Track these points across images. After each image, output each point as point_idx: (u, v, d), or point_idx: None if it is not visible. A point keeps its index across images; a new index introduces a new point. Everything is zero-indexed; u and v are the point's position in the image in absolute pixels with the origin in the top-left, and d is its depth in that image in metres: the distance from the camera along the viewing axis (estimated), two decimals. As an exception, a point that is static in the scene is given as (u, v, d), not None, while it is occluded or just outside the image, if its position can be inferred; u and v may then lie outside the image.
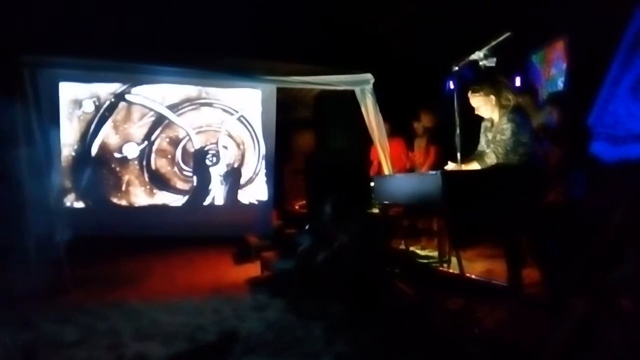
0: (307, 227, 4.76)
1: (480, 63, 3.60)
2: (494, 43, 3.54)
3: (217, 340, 3.18)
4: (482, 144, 3.82)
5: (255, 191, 6.01)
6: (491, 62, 3.61)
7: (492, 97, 3.63)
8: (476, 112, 3.77)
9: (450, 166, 3.88)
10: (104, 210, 5.45)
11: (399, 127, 6.27)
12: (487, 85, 3.64)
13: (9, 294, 3.82)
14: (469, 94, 3.72)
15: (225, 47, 6.03)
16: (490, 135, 3.72)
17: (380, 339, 3.05)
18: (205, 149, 5.84)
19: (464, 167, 3.84)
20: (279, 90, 5.92)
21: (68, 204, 5.33)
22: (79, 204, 5.42)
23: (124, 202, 5.61)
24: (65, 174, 5.32)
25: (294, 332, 3.28)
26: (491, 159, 3.68)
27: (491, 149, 3.68)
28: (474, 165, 3.80)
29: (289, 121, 7.13)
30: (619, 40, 5.02)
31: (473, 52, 3.65)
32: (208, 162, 5.86)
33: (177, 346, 3.09)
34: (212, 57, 5.45)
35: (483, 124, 3.83)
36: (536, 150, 3.72)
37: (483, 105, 3.69)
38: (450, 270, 4.50)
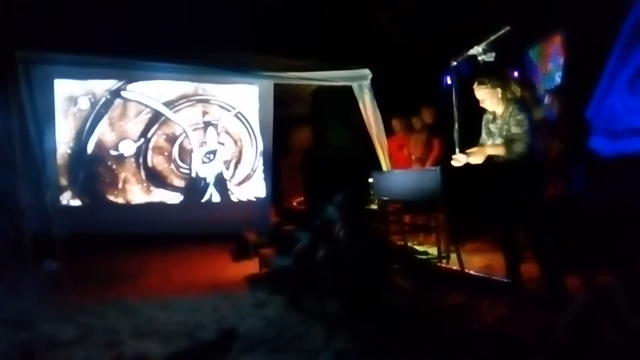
0: (317, 223, 4.65)
1: (479, 58, 3.59)
2: (493, 38, 3.53)
3: (217, 338, 3.15)
4: (484, 137, 3.79)
5: (253, 188, 5.98)
6: (490, 57, 3.59)
7: (499, 89, 3.59)
8: (481, 105, 3.71)
9: (460, 157, 3.78)
10: (101, 208, 5.43)
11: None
12: (494, 78, 3.61)
13: (6, 292, 3.78)
14: (475, 86, 3.67)
15: (222, 42, 5.98)
16: (493, 128, 3.69)
17: (380, 336, 3.04)
18: (202, 146, 5.80)
19: (472, 158, 3.73)
20: (276, 86, 5.89)
21: (64, 201, 5.31)
22: (76, 202, 5.39)
23: (120, 200, 5.58)
24: (61, 172, 5.30)
25: (293, 329, 3.27)
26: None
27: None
28: (484, 152, 3.69)
29: (286, 117, 7.09)
30: (616, 34, 5.01)
31: (471, 47, 3.63)
32: (205, 160, 5.83)
33: (176, 344, 3.06)
34: (208, 53, 5.42)
35: (485, 117, 3.80)
36: (536, 145, 3.70)
37: (489, 98, 3.64)
38: (450, 266, 4.49)
